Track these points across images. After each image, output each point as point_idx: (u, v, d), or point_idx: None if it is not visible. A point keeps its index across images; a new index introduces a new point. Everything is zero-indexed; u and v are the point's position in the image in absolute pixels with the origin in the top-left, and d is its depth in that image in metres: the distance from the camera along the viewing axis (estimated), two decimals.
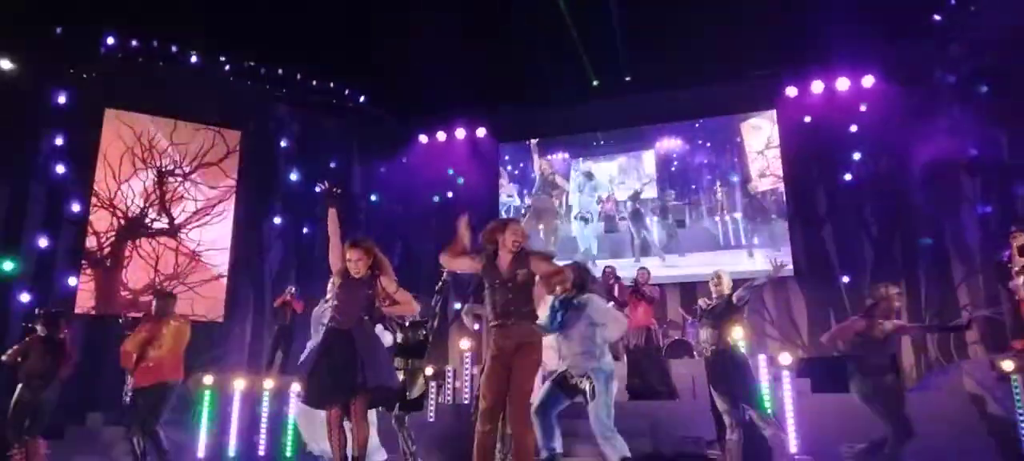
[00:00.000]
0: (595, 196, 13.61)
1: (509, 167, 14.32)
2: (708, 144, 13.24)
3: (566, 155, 14.03)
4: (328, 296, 5.23)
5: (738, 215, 12.67)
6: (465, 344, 9.64)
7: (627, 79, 12.73)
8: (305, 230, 13.09)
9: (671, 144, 13.43)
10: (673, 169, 13.32)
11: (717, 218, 12.78)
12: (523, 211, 13.90)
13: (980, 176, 10.69)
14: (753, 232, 12.47)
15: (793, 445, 6.57)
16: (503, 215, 13.72)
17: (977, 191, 10.70)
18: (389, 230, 13.40)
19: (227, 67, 12.89)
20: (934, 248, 10.94)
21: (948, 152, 10.71)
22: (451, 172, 14.05)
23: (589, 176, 13.75)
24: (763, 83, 12.40)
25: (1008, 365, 7.04)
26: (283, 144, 13.41)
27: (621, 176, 13.55)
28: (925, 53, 11.33)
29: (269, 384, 8.64)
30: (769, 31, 11.30)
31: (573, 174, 13.90)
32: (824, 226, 11.94)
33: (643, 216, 13.18)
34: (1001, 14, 10.50)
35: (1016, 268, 8.08)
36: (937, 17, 11.16)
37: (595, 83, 12.93)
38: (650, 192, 13.30)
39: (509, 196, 14.19)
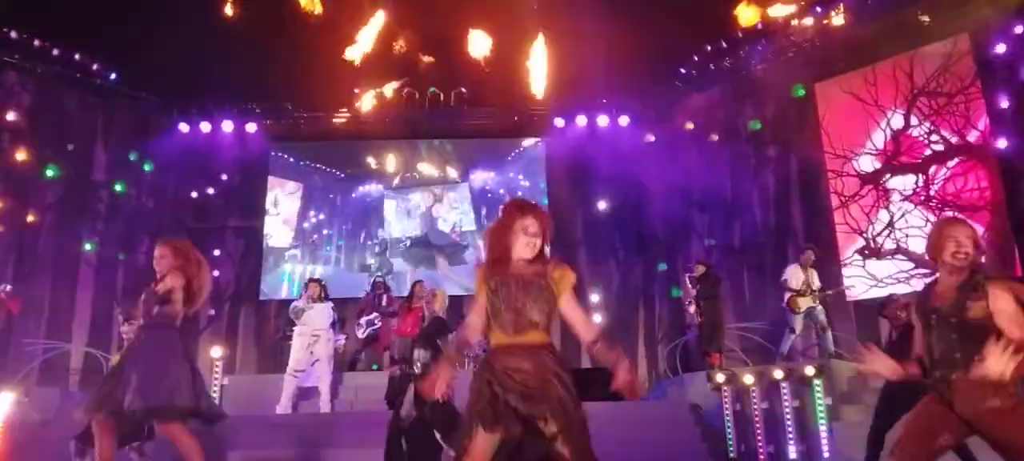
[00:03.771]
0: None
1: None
2: (520, 176, 13.55)
3: (380, 186, 13.50)
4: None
5: None
6: (216, 352, 9.05)
7: (406, 91, 12.88)
8: (29, 218, 11.40)
9: (485, 177, 13.53)
10: (489, 198, 13.41)
11: None
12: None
13: (708, 212, 12.28)
14: None
15: None
16: (269, 219, 13.08)
17: (705, 225, 12.28)
18: (135, 225, 12.15)
19: None
20: (667, 272, 12.36)
21: (684, 189, 12.19)
22: (214, 168, 13.01)
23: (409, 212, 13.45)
24: (535, 112, 13.19)
25: (720, 377, 8.11)
26: (10, 116, 11.54)
27: (440, 208, 13.43)
28: (671, 101, 12.81)
29: None
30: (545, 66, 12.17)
31: (390, 203, 13.45)
32: (579, 249, 12.90)
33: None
34: (730, 76, 12.23)
35: (690, 297, 9.69)
36: (682, 70, 12.66)
37: (355, 90, 12.82)
38: (469, 226, 13.30)
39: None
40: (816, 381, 7.27)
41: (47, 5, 10.76)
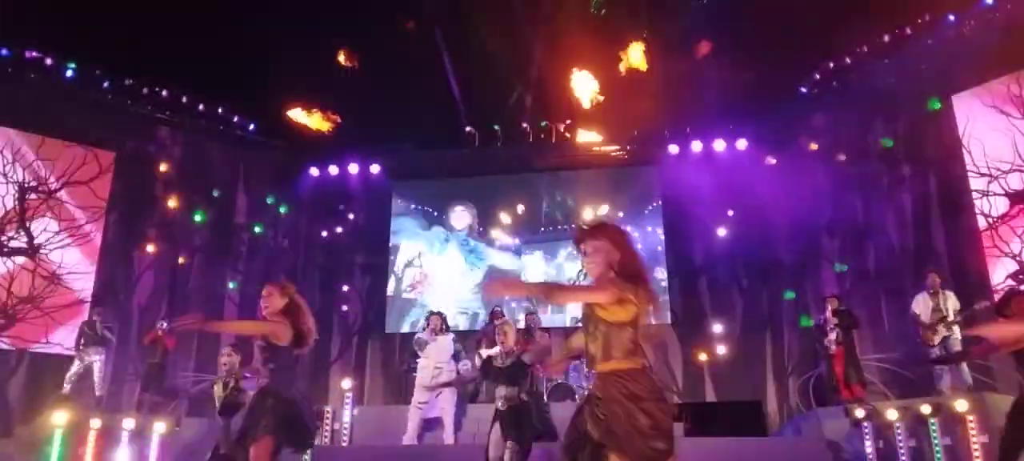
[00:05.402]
0: None
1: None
2: (641, 207, 13.13)
3: (517, 240, 13.49)
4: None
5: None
6: (346, 384, 9.44)
7: (524, 125, 13.06)
8: (180, 260, 12.44)
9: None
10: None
11: None
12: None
13: (838, 236, 11.65)
14: None
15: None
16: (393, 254, 13.58)
17: (835, 249, 11.64)
18: (272, 263, 12.96)
19: (106, 84, 12.23)
20: (795, 300, 11.77)
21: (810, 212, 11.63)
22: (342, 208, 13.77)
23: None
24: (648, 140, 13.04)
25: (860, 413, 7.62)
26: (162, 168, 12.74)
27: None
28: (792, 122, 12.33)
29: (129, 423, 8.08)
30: (655, 93, 12.03)
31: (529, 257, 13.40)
32: (699, 278, 12.56)
33: None
34: (857, 93, 11.64)
35: (829, 326, 9.08)
36: (803, 89, 12.19)
37: (468, 129, 13.11)
38: None
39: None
40: (969, 417, 6.71)
41: (191, 65, 11.83)
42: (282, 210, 13.51)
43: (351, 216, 13.74)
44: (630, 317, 2.98)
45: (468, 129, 13.30)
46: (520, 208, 13.56)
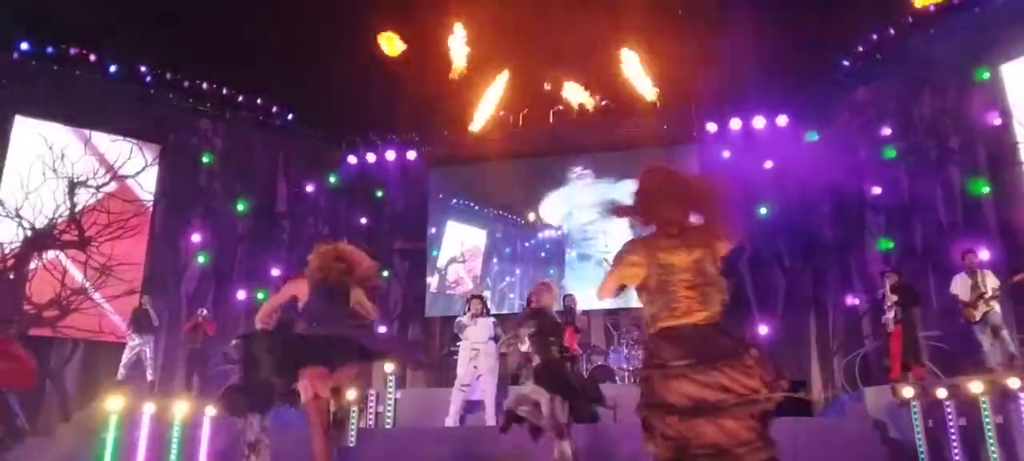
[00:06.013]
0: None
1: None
2: None
3: (557, 232, 13.35)
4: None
5: None
6: (389, 367, 9.54)
7: (559, 107, 13.03)
8: (225, 248, 12.72)
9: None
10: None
11: None
12: None
13: (883, 212, 11.38)
14: None
15: None
16: (436, 246, 13.69)
17: (880, 226, 11.38)
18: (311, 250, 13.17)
19: (149, 79, 12.52)
20: (839, 278, 11.54)
21: (854, 189, 11.37)
22: (380, 194, 13.93)
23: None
24: (686, 118, 12.87)
25: (908, 392, 7.46)
26: (205, 159, 13.03)
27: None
28: (833, 96, 12.05)
29: (182, 408, 8.29)
30: (692, 70, 11.87)
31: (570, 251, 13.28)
32: (740, 256, 12.37)
33: None
34: (902, 64, 11.32)
35: (888, 304, 8.85)
36: (846, 62, 11.90)
37: (502, 112, 13.09)
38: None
39: None
40: (1022, 394, 6.53)
41: (230, 57, 12.06)
42: (322, 198, 13.71)
43: (389, 202, 13.90)
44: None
45: (502, 112, 13.31)
46: (559, 191, 13.51)
